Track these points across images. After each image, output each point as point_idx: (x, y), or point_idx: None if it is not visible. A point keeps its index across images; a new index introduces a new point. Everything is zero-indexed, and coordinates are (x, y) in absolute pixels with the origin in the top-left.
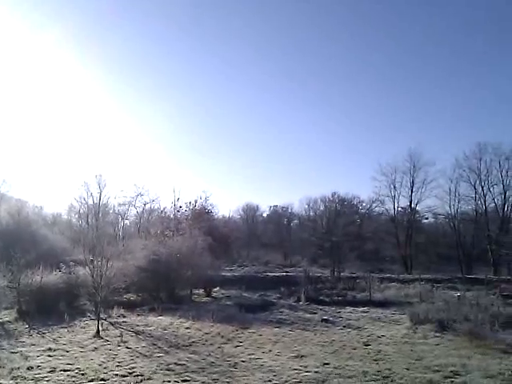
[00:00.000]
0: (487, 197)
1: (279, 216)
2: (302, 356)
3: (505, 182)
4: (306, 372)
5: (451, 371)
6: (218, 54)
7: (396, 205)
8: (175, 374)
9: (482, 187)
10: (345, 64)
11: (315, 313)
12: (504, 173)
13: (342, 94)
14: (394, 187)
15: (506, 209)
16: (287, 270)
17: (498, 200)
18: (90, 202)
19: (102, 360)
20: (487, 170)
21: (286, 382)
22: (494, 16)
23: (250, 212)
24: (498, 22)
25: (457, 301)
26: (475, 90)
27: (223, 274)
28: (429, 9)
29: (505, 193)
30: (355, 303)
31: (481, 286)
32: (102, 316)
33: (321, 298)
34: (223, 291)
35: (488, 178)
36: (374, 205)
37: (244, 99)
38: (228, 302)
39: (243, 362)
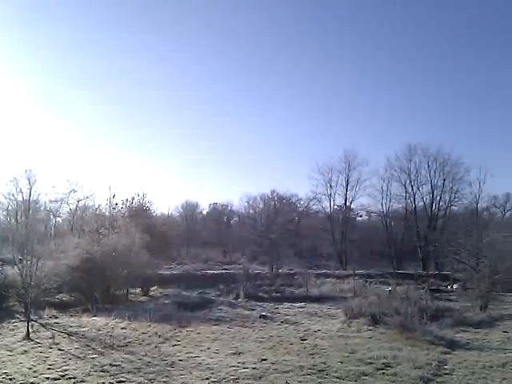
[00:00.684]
0: (416, 196)
1: (219, 213)
2: (240, 353)
3: (433, 181)
4: (244, 368)
5: (383, 363)
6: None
7: (332, 203)
8: (110, 376)
9: (412, 187)
10: (283, 62)
11: (254, 309)
12: (432, 173)
13: (280, 92)
14: (330, 186)
15: (433, 207)
16: (227, 267)
17: (426, 199)
18: (20, 198)
19: (32, 363)
20: (416, 171)
21: (224, 379)
22: (420, 19)
23: (190, 209)
24: (423, 24)
25: (388, 295)
26: (407, 93)
27: (161, 272)
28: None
29: (432, 192)
30: (293, 299)
31: (410, 281)
32: (32, 317)
33: (259, 294)
34: (161, 290)
35: (417, 178)
36: (312, 203)
37: (181, 95)
38: (166, 301)
39: (181, 360)
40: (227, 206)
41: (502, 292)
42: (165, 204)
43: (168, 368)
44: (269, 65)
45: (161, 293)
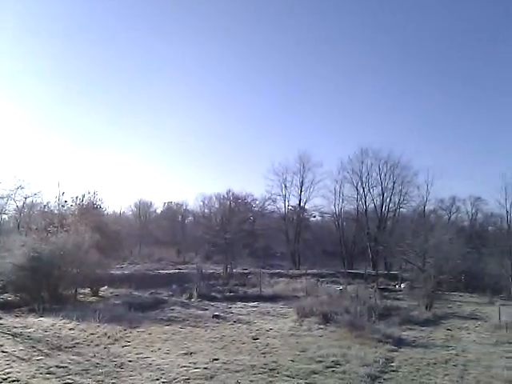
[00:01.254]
0: (368, 197)
1: (173, 212)
2: (191, 353)
3: (383, 184)
4: (195, 368)
5: (332, 361)
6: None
7: (287, 203)
8: (56, 378)
9: (364, 188)
10: (237, 60)
11: (207, 309)
12: (382, 176)
13: (236, 92)
14: (285, 187)
15: (383, 209)
16: (180, 267)
17: (376, 200)
18: None
19: None
20: (368, 173)
21: (175, 379)
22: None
23: (143, 208)
24: (372, 26)
25: (339, 294)
26: (361, 96)
27: (112, 272)
28: None
29: (383, 194)
30: (246, 298)
31: (361, 280)
32: None
33: (213, 294)
34: (112, 290)
35: (368, 180)
36: (267, 203)
37: (137, 89)
38: (116, 301)
39: (130, 361)
40: (182, 205)
41: (447, 291)
42: (117, 202)
43: (117, 369)
44: (225, 63)
45: (111, 293)
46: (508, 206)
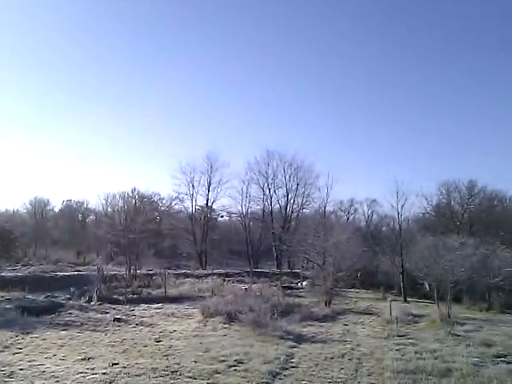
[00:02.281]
0: (273, 198)
1: (73, 211)
2: (89, 358)
3: (288, 185)
4: (93, 374)
5: (235, 360)
6: None
7: (194, 203)
8: None
9: (269, 189)
10: (147, 56)
11: (107, 312)
12: (287, 178)
13: (141, 88)
14: (193, 186)
15: (287, 209)
16: (80, 268)
17: (281, 201)
18: None
19: None
20: (274, 175)
21: None
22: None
23: (39, 206)
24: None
25: (244, 293)
26: (271, 98)
27: (3, 274)
28: None
29: (287, 195)
30: (150, 300)
31: (265, 279)
32: None
33: (115, 296)
34: (3, 294)
35: (274, 182)
36: (174, 202)
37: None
38: (8, 306)
39: (21, 370)
40: (83, 203)
41: (344, 288)
42: (10, 200)
43: (6, 379)
44: (130, 57)
45: (2, 297)
46: (399, 208)
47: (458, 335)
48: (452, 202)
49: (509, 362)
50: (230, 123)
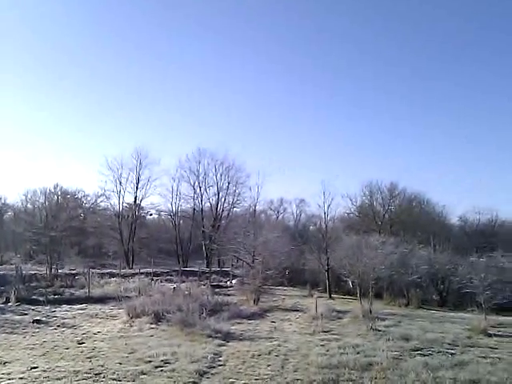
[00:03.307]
0: (204, 197)
1: None
2: (5, 362)
3: (219, 184)
4: (9, 379)
5: (162, 360)
6: None
7: (121, 200)
8: None
9: (200, 188)
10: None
11: (26, 314)
12: (218, 176)
13: (66, 80)
14: (120, 183)
15: (218, 208)
16: None
17: (212, 200)
18: None
19: None
20: (205, 173)
21: None
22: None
23: None
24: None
25: (172, 292)
26: (201, 95)
27: None
28: None
29: (218, 194)
30: (73, 301)
31: (195, 278)
32: None
33: (34, 297)
34: None
35: (205, 180)
36: (100, 199)
37: None
38: None
39: None
40: (0, 198)
41: (273, 286)
42: None
43: None
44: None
45: None
46: (325, 208)
47: (379, 330)
48: (374, 203)
49: (424, 355)
50: (160, 120)
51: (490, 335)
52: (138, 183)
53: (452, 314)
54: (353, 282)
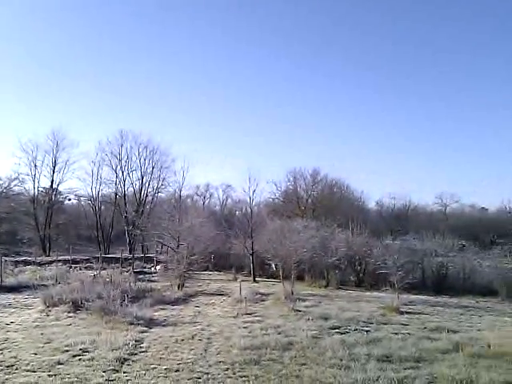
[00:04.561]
0: (127, 181)
1: None
2: None
3: (142, 168)
4: None
5: (80, 349)
6: None
7: (37, 184)
8: None
9: (123, 172)
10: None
11: None
12: (142, 160)
13: None
14: (35, 166)
15: (142, 193)
16: None
17: (136, 185)
18: None
19: None
20: (127, 156)
21: None
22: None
23: None
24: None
25: (93, 280)
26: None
27: None
28: None
29: (142, 178)
30: None
31: (117, 265)
32: None
33: None
34: None
35: (128, 164)
36: (13, 184)
37: None
38: None
39: None
40: None
41: (198, 271)
42: None
43: None
44: None
45: None
46: (251, 193)
47: (300, 311)
48: (298, 189)
49: (342, 333)
50: (81, 102)
51: (401, 313)
52: (54, 166)
53: (368, 293)
54: (276, 266)
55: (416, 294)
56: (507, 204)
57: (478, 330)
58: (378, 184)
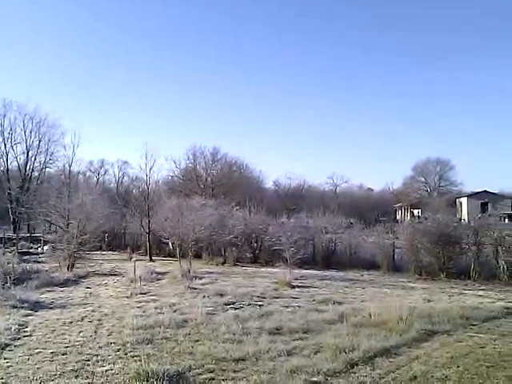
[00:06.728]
0: (10, 155)
1: None
2: None
3: (28, 141)
4: None
5: None
6: None
7: None
8: None
9: (5, 145)
10: None
11: None
12: (28, 132)
13: None
14: None
15: (28, 168)
16: None
17: (20, 159)
18: None
19: None
20: (11, 128)
21: None
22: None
23: None
24: None
25: None
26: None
27: None
28: None
29: (27, 152)
30: None
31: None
32: None
33: None
34: None
35: (11, 136)
36: None
37: None
38: None
39: None
40: None
41: (90, 251)
42: None
43: None
44: None
45: None
46: (148, 170)
47: (196, 288)
48: (198, 167)
49: (236, 308)
50: None
51: (293, 287)
52: None
53: (263, 269)
54: (173, 244)
55: (307, 269)
56: (390, 185)
57: (362, 302)
58: (275, 164)
